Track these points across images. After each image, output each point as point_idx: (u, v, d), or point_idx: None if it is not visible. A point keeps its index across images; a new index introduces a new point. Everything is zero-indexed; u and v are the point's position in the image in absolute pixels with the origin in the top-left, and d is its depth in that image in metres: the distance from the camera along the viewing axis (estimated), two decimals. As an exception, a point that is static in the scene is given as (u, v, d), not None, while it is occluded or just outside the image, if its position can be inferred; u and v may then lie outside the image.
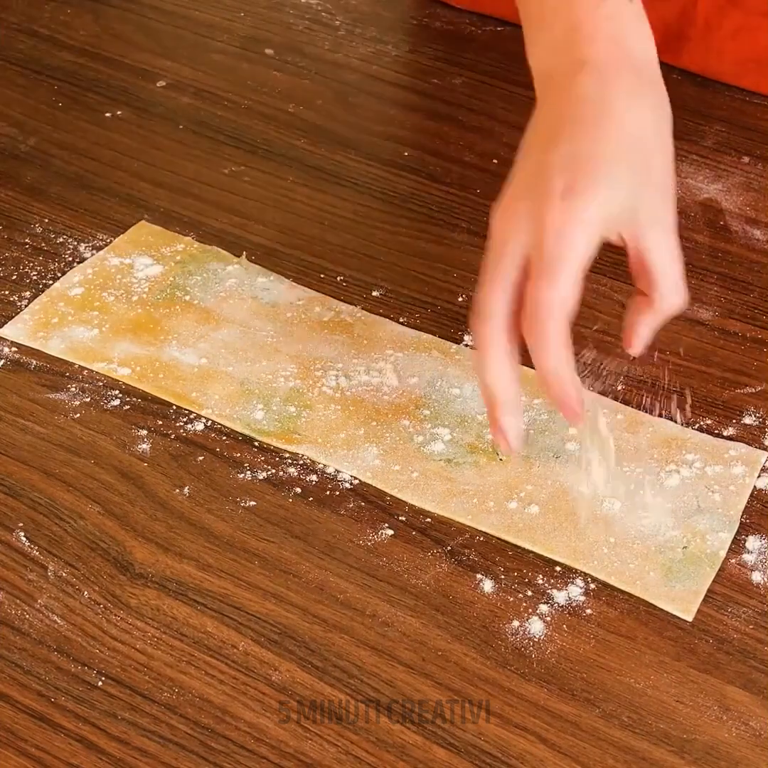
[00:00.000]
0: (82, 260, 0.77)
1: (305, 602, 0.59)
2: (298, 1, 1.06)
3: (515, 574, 0.61)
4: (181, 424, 0.67)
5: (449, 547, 0.62)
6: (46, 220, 0.81)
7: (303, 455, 0.66)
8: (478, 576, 0.61)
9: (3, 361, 0.71)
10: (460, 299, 0.76)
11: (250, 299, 0.74)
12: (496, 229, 0.58)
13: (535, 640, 0.58)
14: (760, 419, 0.69)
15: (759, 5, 0.92)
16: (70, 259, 0.77)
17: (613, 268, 0.80)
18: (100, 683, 0.55)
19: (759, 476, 0.66)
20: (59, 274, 0.76)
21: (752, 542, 0.63)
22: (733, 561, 0.62)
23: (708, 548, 0.61)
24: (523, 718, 0.55)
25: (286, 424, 0.67)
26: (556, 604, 0.59)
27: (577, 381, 0.56)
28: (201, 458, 0.66)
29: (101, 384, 0.69)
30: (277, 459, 0.66)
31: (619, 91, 0.56)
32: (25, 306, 0.74)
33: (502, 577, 0.61)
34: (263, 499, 0.64)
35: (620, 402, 0.70)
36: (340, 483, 0.65)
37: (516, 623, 0.59)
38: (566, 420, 0.58)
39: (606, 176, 0.55)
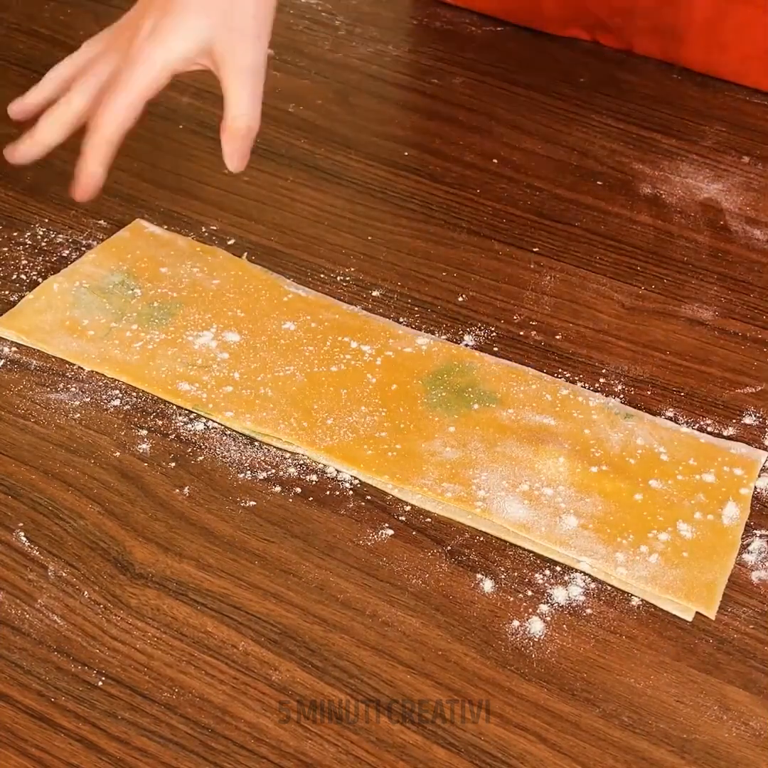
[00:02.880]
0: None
1: (305, 602, 0.59)
2: (298, 1, 1.06)
3: (515, 574, 0.61)
4: (181, 424, 0.67)
5: (449, 547, 0.62)
6: (46, 220, 0.81)
7: (303, 455, 0.66)
8: (478, 576, 0.61)
9: (3, 361, 0.71)
10: (460, 299, 0.77)
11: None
12: (98, 42, 0.74)
13: (535, 640, 0.58)
14: (760, 419, 0.69)
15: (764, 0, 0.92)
16: (70, 258, 0.77)
17: (613, 268, 0.80)
18: (100, 683, 0.55)
19: (759, 476, 0.66)
20: (59, 274, 0.76)
21: (753, 542, 0.63)
22: (733, 561, 0.62)
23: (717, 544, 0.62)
24: (523, 718, 0.55)
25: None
26: (556, 604, 0.59)
27: (98, 174, 0.71)
28: (201, 458, 0.66)
29: (101, 384, 0.69)
30: (277, 459, 0.66)
31: None
32: (25, 306, 0.74)
33: (502, 577, 0.61)
34: (263, 499, 0.64)
35: (621, 402, 0.70)
36: (340, 483, 0.65)
37: (516, 623, 0.59)
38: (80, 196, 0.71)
39: (183, 22, 0.70)
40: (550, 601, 0.60)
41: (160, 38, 0.69)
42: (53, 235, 0.79)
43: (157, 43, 0.69)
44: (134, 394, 0.69)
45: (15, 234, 0.79)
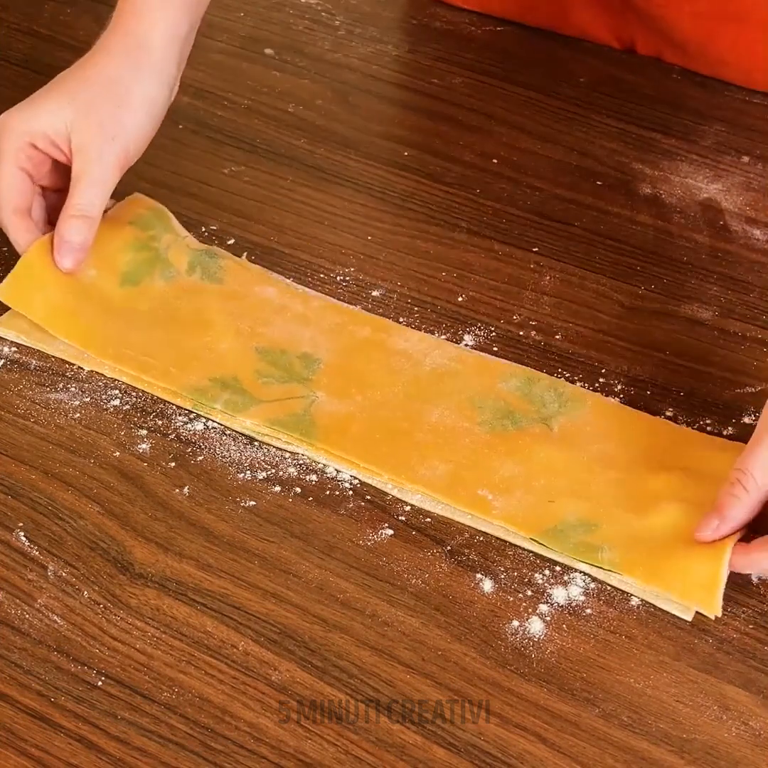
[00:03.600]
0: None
1: (305, 602, 0.59)
2: (298, 1, 1.06)
3: (515, 573, 0.61)
4: (181, 424, 0.67)
5: (449, 547, 0.62)
6: (46, 220, 0.80)
7: (303, 455, 0.66)
8: (478, 576, 0.61)
9: (3, 361, 0.71)
10: (460, 299, 0.77)
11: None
12: None
13: (535, 640, 0.58)
14: (760, 419, 0.69)
15: (752, 15, 0.91)
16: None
17: (613, 268, 0.80)
18: (100, 683, 0.55)
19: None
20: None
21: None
22: (733, 561, 0.62)
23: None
24: (523, 718, 0.55)
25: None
26: (556, 604, 0.59)
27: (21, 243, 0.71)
28: (201, 458, 0.66)
29: (101, 384, 0.69)
30: (277, 459, 0.66)
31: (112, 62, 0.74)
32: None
33: (502, 577, 0.61)
34: (263, 499, 0.64)
35: (622, 402, 0.70)
36: (340, 483, 0.65)
37: (516, 623, 0.59)
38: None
39: (44, 103, 0.72)
40: (549, 601, 0.60)
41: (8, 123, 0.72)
42: (53, 235, 0.79)
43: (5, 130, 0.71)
44: (134, 394, 0.69)
45: (15, 234, 0.79)
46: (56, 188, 0.74)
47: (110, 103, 0.72)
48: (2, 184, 0.71)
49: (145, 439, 0.67)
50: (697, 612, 0.59)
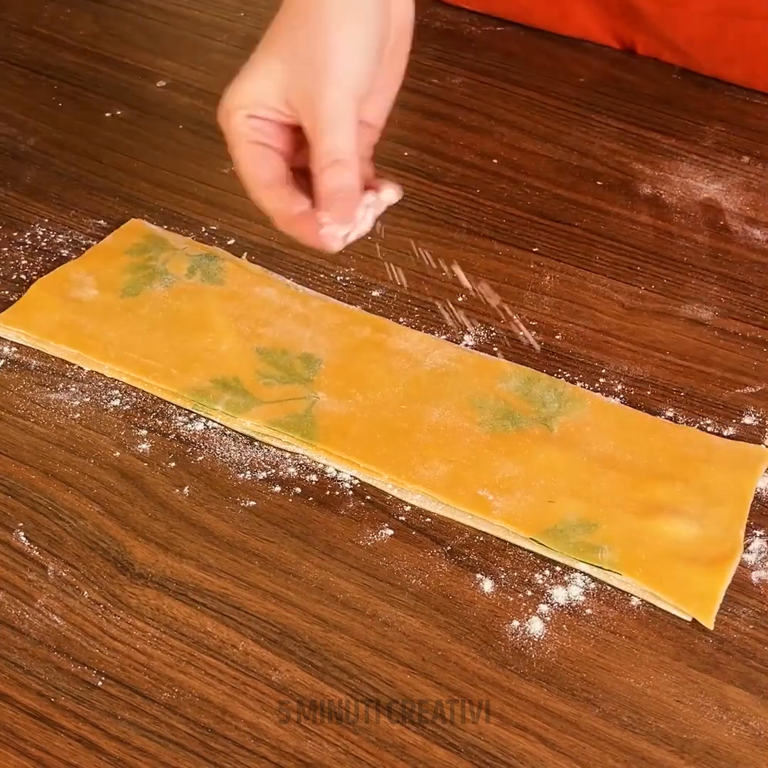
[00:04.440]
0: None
1: (305, 602, 0.59)
2: (298, 1, 1.06)
3: (515, 574, 0.61)
4: (181, 424, 0.67)
5: (449, 547, 0.62)
6: (46, 220, 0.81)
7: (303, 455, 0.66)
8: (478, 576, 0.61)
9: (3, 361, 0.71)
10: (460, 299, 0.77)
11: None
12: None
13: (535, 640, 0.58)
14: (760, 419, 0.69)
15: (760, 11, 0.92)
16: (71, 258, 0.77)
17: (613, 268, 0.80)
18: (100, 683, 0.55)
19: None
20: (59, 274, 0.76)
21: (752, 542, 0.63)
22: (733, 561, 0.62)
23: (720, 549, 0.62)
24: (523, 718, 0.55)
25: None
26: (556, 604, 0.59)
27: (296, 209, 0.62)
28: (201, 458, 0.66)
29: (101, 384, 0.69)
30: (277, 459, 0.66)
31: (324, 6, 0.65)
32: (25, 306, 0.74)
33: (502, 577, 0.61)
34: (263, 499, 0.64)
35: (622, 402, 0.70)
36: (340, 483, 0.65)
37: (516, 623, 0.59)
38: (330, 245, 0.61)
39: (251, 71, 0.66)
40: (549, 601, 0.60)
41: (232, 95, 0.65)
42: (53, 235, 0.79)
43: (229, 103, 0.65)
44: (134, 394, 0.69)
45: (15, 234, 0.79)
46: None
47: (317, 45, 0.63)
48: (242, 166, 0.64)
49: (145, 439, 0.67)
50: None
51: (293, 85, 0.63)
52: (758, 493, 0.65)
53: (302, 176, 0.63)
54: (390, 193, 0.64)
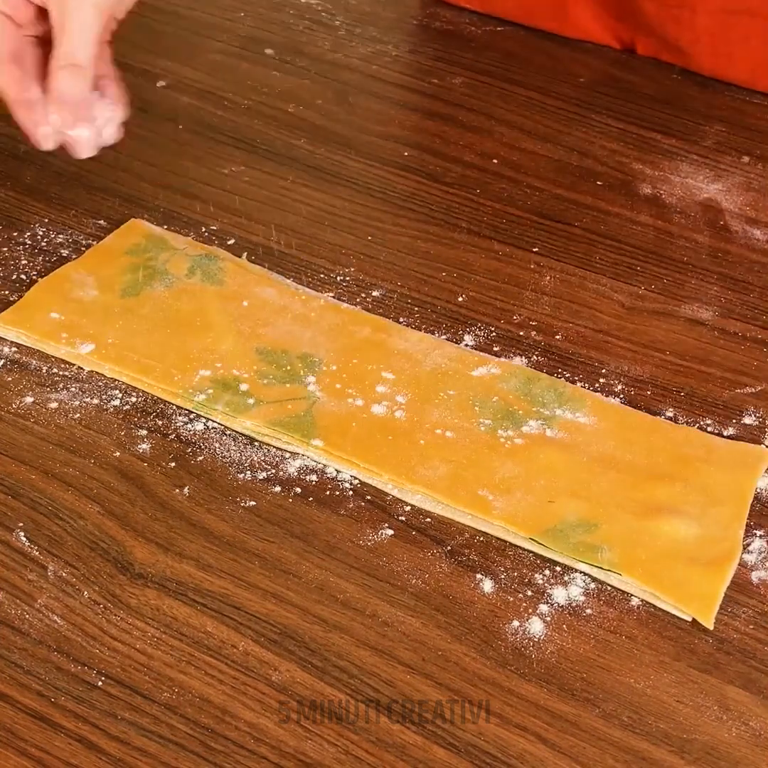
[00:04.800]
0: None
1: (305, 602, 0.59)
2: (298, 1, 1.06)
3: (515, 574, 0.61)
4: (181, 424, 0.67)
5: (449, 547, 0.62)
6: (46, 220, 0.81)
7: (303, 455, 0.66)
8: (478, 576, 0.61)
9: (3, 361, 0.71)
10: (460, 299, 0.77)
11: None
12: None
13: (535, 640, 0.58)
14: (760, 419, 0.69)
15: (766, 9, 0.92)
16: (71, 258, 0.77)
17: (613, 268, 0.80)
18: (100, 683, 0.55)
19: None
20: (59, 274, 0.76)
21: (752, 542, 0.63)
22: (733, 561, 0.62)
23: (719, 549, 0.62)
24: (523, 718, 0.55)
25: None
26: (556, 604, 0.59)
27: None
28: (201, 458, 0.66)
29: (101, 384, 0.69)
30: (277, 459, 0.66)
31: None
32: (25, 306, 0.74)
33: (502, 577, 0.61)
34: (263, 499, 0.64)
35: (622, 402, 0.70)
36: (340, 483, 0.65)
37: (516, 623, 0.59)
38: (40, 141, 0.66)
39: None
40: (549, 601, 0.60)
41: None
42: (53, 235, 0.79)
43: None
44: (134, 394, 0.69)
45: (15, 234, 0.79)
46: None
47: None
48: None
49: (145, 439, 0.67)
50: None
51: None
52: (758, 493, 0.65)
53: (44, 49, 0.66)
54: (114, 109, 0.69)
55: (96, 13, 0.67)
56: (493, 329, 0.74)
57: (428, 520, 0.63)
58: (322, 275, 0.78)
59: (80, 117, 0.66)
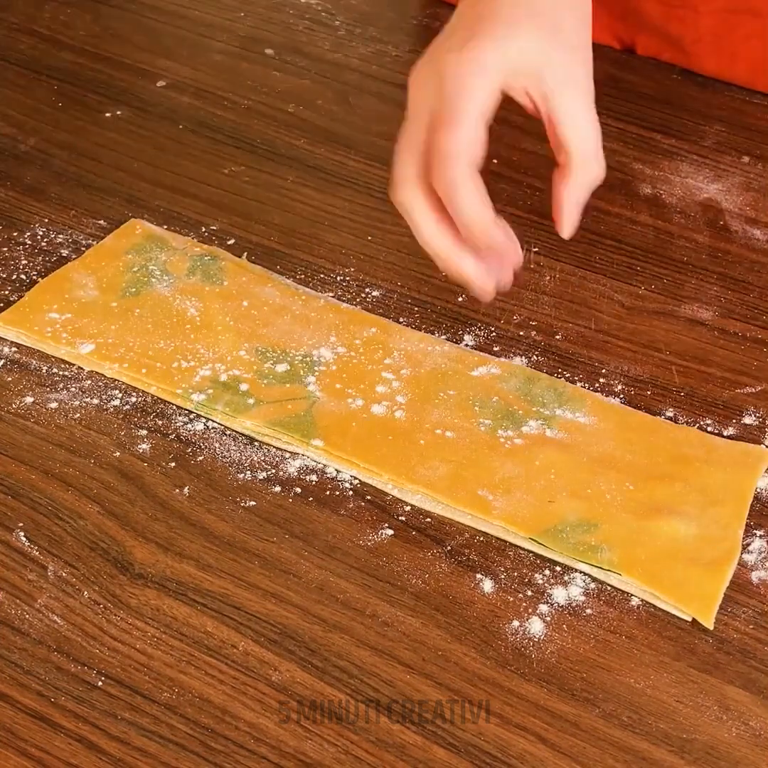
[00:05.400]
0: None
1: (305, 602, 0.59)
2: (298, 1, 1.06)
3: (515, 574, 0.61)
4: (181, 424, 0.67)
5: (449, 547, 0.62)
6: (46, 220, 0.81)
7: (303, 455, 0.66)
8: (478, 576, 0.61)
9: (3, 361, 0.71)
10: (460, 299, 0.76)
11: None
12: (409, 98, 0.58)
13: (535, 640, 0.58)
14: (760, 419, 0.69)
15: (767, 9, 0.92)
16: (70, 258, 0.77)
17: (613, 268, 0.80)
18: (100, 683, 0.55)
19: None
20: (59, 274, 0.76)
21: (752, 542, 0.63)
22: (733, 561, 0.62)
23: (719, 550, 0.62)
24: (523, 718, 0.55)
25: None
26: (556, 604, 0.59)
27: (499, 223, 0.55)
28: (201, 458, 0.66)
29: (101, 384, 0.69)
30: (277, 459, 0.66)
31: None
32: (25, 306, 0.74)
33: (502, 577, 0.61)
34: (263, 499, 0.64)
35: (622, 402, 0.70)
36: (340, 483, 0.65)
37: (516, 623, 0.59)
38: (504, 268, 0.57)
39: (505, 27, 0.54)
40: (549, 601, 0.60)
41: (470, 56, 0.53)
42: (53, 235, 0.79)
43: (473, 66, 0.54)
44: (134, 394, 0.69)
45: (15, 234, 0.79)
46: None
47: (559, 23, 0.57)
48: (469, 132, 0.54)
49: (145, 439, 0.67)
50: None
51: (554, 62, 0.55)
52: (758, 493, 0.65)
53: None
54: None
55: (589, 96, 0.58)
56: (493, 329, 0.74)
57: (428, 520, 0.63)
58: (322, 275, 0.78)
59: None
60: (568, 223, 0.57)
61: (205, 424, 0.67)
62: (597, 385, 0.71)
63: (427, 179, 0.55)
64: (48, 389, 0.69)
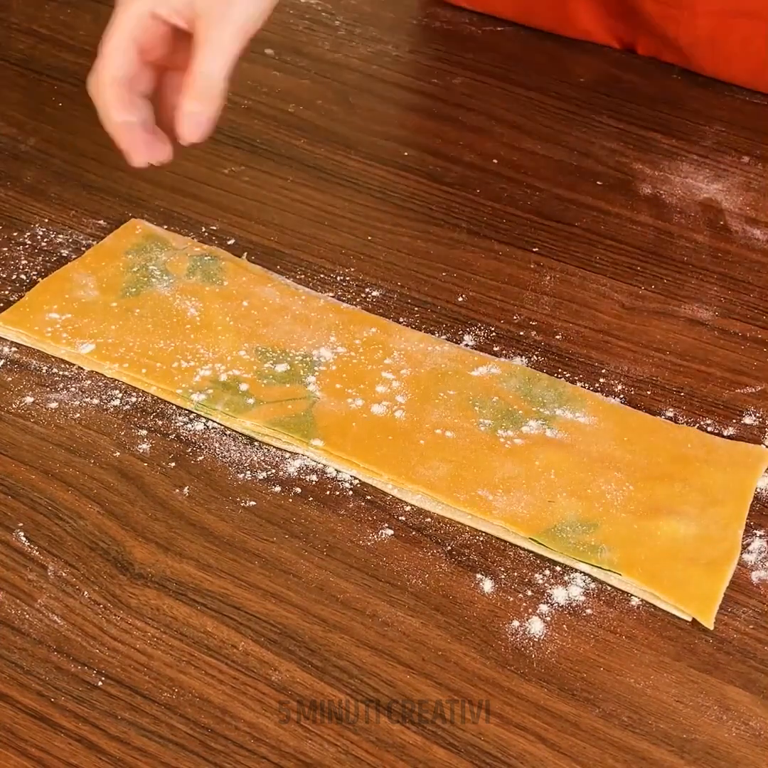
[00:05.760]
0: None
1: (305, 602, 0.59)
2: (298, 1, 1.06)
3: (515, 574, 0.61)
4: (181, 424, 0.67)
5: (449, 547, 0.62)
6: (46, 220, 0.81)
7: (303, 455, 0.66)
8: (478, 576, 0.61)
9: (3, 361, 0.71)
10: (460, 299, 0.77)
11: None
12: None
13: (535, 640, 0.58)
14: (760, 419, 0.69)
15: (766, 11, 0.92)
16: (70, 258, 0.77)
17: (613, 268, 0.80)
18: (100, 683, 0.55)
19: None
20: (59, 274, 0.76)
21: (752, 542, 0.63)
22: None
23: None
24: (523, 718, 0.55)
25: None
26: (556, 604, 0.59)
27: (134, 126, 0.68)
28: (201, 458, 0.66)
29: (101, 384, 0.69)
30: (277, 459, 0.66)
31: None
32: (25, 306, 0.74)
33: (502, 577, 0.61)
34: (263, 499, 0.64)
35: (622, 402, 0.70)
36: (340, 483, 0.65)
37: (516, 623, 0.59)
38: (133, 160, 0.69)
39: None
40: (550, 601, 0.60)
41: None
42: (53, 235, 0.79)
43: (122, 4, 0.67)
44: (134, 393, 0.69)
45: (15, 234, 0.79)
46: (174, 66, 0.69)
47: None
48: (107, 54, 0.67)
49: (145, 439, 0.67)
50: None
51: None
52: (758, 493, 0.65)
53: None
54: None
55: (237, 33, 0.68)
56: (493, 329, 0.74)
57: (428, 520, 0.63)
58: (322, 275, 0.78)
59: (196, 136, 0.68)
60: (186, 131, 0.67)
61: (205, 424, 0.68)
62: (597, 385, 0.71)
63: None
64: (48, 389, 0.69)
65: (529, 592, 0.60)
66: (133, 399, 0.69)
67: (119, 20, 0.67)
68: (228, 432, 0.67)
